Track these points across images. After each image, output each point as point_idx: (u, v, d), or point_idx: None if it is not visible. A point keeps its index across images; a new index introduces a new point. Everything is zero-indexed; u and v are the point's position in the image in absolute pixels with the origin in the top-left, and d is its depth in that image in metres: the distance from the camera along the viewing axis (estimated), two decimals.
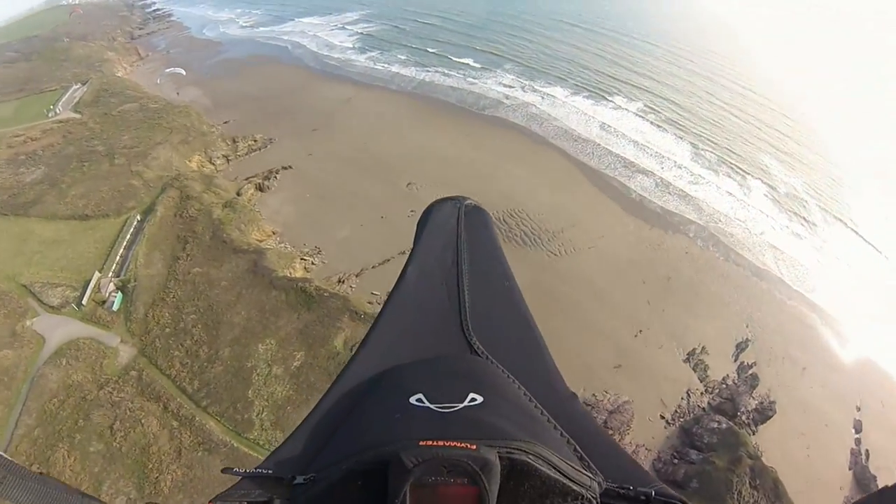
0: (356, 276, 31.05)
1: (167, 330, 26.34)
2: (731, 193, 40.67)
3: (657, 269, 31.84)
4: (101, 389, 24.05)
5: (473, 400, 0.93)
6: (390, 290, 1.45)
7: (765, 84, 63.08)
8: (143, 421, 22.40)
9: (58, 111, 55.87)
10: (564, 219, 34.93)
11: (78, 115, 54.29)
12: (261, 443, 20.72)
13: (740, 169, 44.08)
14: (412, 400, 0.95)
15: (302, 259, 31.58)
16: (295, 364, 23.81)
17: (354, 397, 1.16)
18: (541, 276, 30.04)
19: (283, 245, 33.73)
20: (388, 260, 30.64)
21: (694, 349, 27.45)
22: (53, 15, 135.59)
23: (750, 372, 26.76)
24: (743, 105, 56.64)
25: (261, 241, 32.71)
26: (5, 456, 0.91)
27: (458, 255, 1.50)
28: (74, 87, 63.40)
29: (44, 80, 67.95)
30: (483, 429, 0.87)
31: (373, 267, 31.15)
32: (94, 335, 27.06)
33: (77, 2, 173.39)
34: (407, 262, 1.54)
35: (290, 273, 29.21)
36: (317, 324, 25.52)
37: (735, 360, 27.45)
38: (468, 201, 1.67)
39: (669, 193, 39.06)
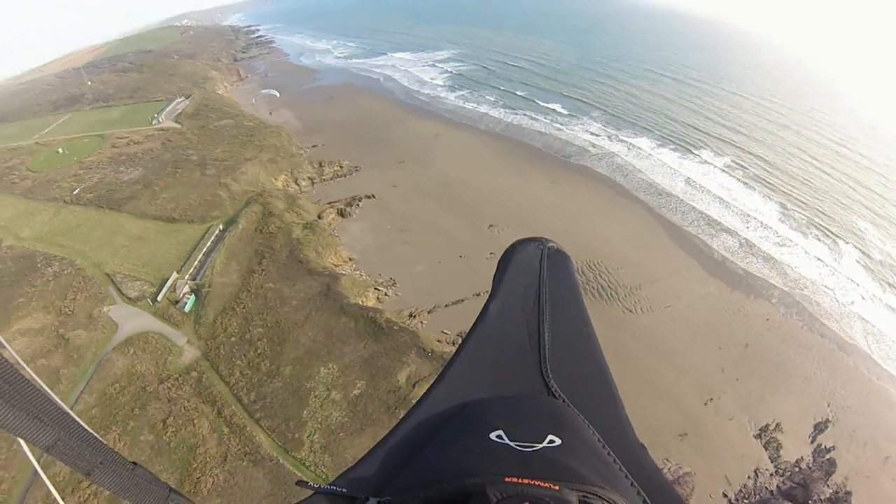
0: (428, 312, 35.33)
1: (233, 338, 32.15)
2: (819, 258, 43.09)
3: (735, 334, 34.50)
4: (161, 383, 29.81)
5: (552, 441, 1.12)
6: (471, 324, 1.81)
7: (860, 140, 65.73)
8: (195, 421, 27.33)
9: (161, 120, 71.58)
10: (643, 275, 39.00)
11: (178, 126, 69.02)
12: (307, 463, 24.28)
13: (831, 232, 46.74)
14: (492, 436, 1.15)
15: (375, 289, 36.75)
16: (354, 392, 27.63)
17: (433, 426, 1.39)
18: (614, 333, 33.04)
19: (358, 272, 39.54)
20: (463, 300, 34.92)
21: (767, 425, 28.94)
22: (167, 33, 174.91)
23: (827, 456, 27.69)
24: (835, 162, 59.95)
25: (336, 266, 38.80)
26: (103, 442, 1.17)
27: (540, 296, 1.80)
28: (178, 99, 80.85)
29: (152, 91, 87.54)
30: (562, 471, 1.04)
31: (446, 305, 35.47)
32: (163, 331, 33.77)
33: (189, 23, 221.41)
34: (490, 298, 1.84)
35: (362, 301, 34.25)
36: (382, 355, 29.55)
37: (811, 442, 28.70)
38: (551, 244, 2.01)
39: (753, 255, 42.90)
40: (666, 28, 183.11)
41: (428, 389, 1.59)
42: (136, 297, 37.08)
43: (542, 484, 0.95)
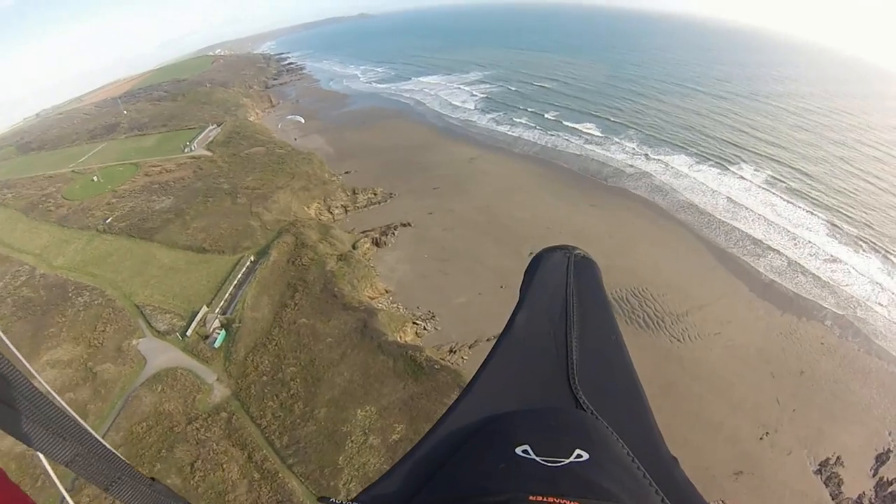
0: (469, 347, 35.10)
1: (264, 378, 32.15)
2: (871, 276, 43.02)
3: (788, 360, 34.43)
4: (189, 424, 29.87)
5: (580, 456, 1.14)
6: (498, 334, 1.89)
7: None
8: (224, 466, 27.10)
9: (193, 148, 74.69)
10: (690, 300, 39.33)
11: (210, 154, 71.81)
12: None
13: (882, 248, 46.70)
14: (518, 450, 1.17)
15: (414, 323, 36.56)
16: (393, 437, 26.96)
17: (457, 441, 1.43)
18: (662, 364, 32.90)
19: (395, 306, 39.53)
20: None
21: (827, 459, 28.63)
22: (201, 62, 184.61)
23: (890, 490, 27.50)
24: (882, 172, 60.24)
25: (373, 299, 38.78)
26: (121, 458, 1.24)
27: (568, 305, 1.85)
28: (210, 127, 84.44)
29: (185, 119, 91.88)
30: (589, 487, 1.06)
31: (488, 339, 34.88)
32: (192, 367, 34.11)
33: (222, 52, 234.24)
34: (516, 309, 1.90)
35: (401, 337, 33.93)
36: (423, 397, 28.91)
37: (874, 475, 28.30)
38: (577, 251, 2.03)
39: (802, 275, 43.45)
40: (695, 39, 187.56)
41: (454, 402, 1.60)
42: (165, 330, 37.81)
43: (569, 501, 0.98)
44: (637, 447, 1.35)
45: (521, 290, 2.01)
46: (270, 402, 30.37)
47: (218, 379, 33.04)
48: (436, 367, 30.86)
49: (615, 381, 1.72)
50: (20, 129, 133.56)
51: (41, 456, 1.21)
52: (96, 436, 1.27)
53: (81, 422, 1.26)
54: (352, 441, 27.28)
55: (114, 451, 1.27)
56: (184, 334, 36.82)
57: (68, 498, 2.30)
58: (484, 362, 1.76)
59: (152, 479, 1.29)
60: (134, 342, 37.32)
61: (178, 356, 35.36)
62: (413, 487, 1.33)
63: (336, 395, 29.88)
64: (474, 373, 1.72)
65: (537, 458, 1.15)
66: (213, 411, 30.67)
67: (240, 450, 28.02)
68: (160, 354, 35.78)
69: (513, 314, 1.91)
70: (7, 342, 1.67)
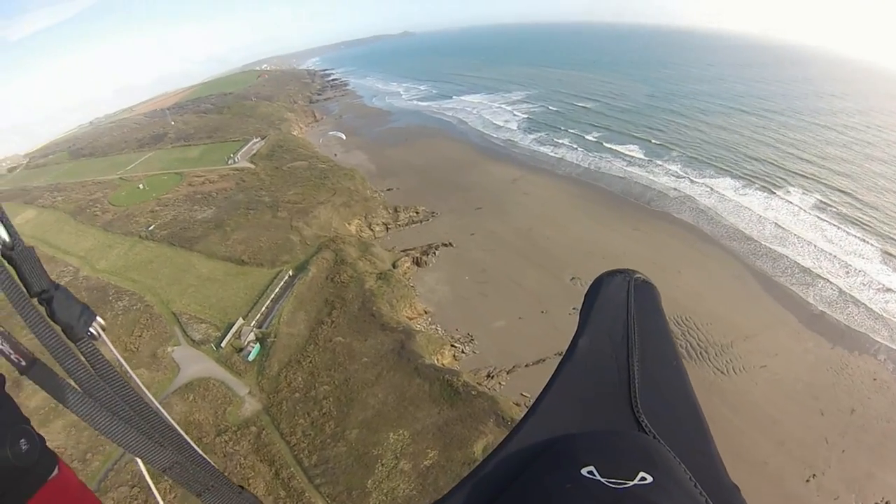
0: (507, 372, 34.49)
1: (297, 394, 32.27)
2: None
3: (839, 397, 33.33)
4: (218, 436, 30.15)
5: (644, 479, 1.16)
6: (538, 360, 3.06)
7: None
8: (250, 481, 27.02)
9: (236, 160, 77.37)
10: (735, 330, 38.47)
11: (252, 166, 74.21)
12: None
13: None
14: (583, 471, 1.19)
15: (452, 346, 36.25)
16: (425, 463, 26.44)
17: (522, 461, 1.45)
18: (704, 397, 31.39)
19: (433, 327, 39.40)
20: (544, 360, 34.26)
21: None
22: (247, 77, 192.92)
23: None
24: None
25: (411, 319, 38.71)
26: (215, 466, 1.36)
27: (629, 329, 1.88)
28: (254, 140, 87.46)
29: (230, 131, 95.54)
30: None
31: (526, 365, 34.60)
32: (225, 379, 34.62)
33: (268, 67, 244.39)
34: (578, 332, 1.92)
35: (438, 360, 33.61)
36: (458, 423, 28.35)
37: None
38: (637, 275, 2.07)
39: (854, 306, 41.99)
40: (736, 56, 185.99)
41: (518, 424, 1.62)
42: (200, 339, 38.62)
43: None
44: (698, 473, 1.36)
45: (581, 313, 2.03)
46: (301, 419, 30.38)
47: (250, 392, 33.36)
48: (472, 392, 30.34)
49: (676, 405, 1.75)
50: (73, 135, 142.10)
51: (139, 461, 1.38)
52: (193, 445, 1.41)
53: (181, 431, 1.40)
54: (382, 465, 26.91)
55: (209, 459, 1.39)
56: (218, 345, 37.51)
57: (160, 500, 2.22)
58: (548, 384, 1.76)
59: (241, 487, 1.40)
60: (169, 349, 38.27)
61: (211, 367, 35.99)
62: None
63: (369, 417, 29.65)
64: (537, 395, 1.74)
65: (602, 480, 1.16)
66: (243, 425, 30.90)
67: (267, 466, 28.04)
68: (194, 364, 36.51)
69: (575, 337, 1.92)
70: (114, 350, 1.75)
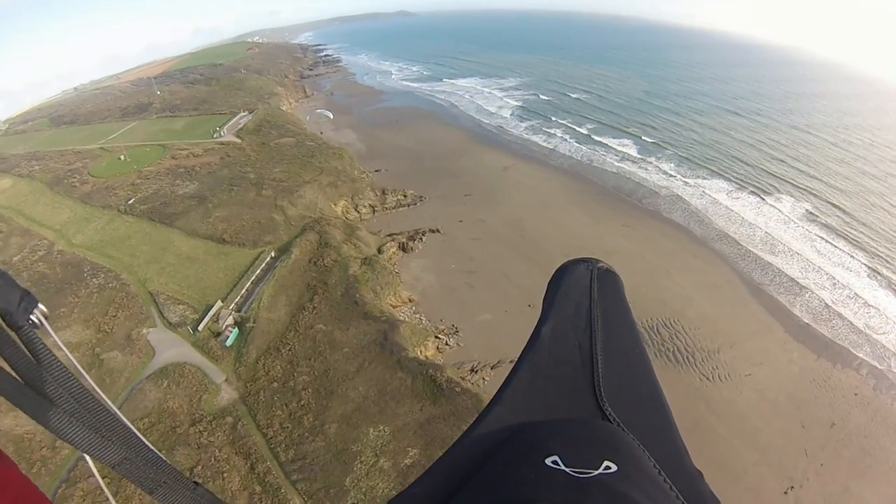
0: (492, 368, 33.71)
1: (275, 384, 30.95)
2: None
3: (820, 410, 33.67)
4: (192, 426, 28.80)
5: (608, 468, 1.16)
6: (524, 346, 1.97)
7: None
8: (225, 475, 25.89)
9: (222, 134, 74.73)
10: (721, 337, 38.54)
11: (238, 141, 71.65)
12: None
13: None
14: (548, 461, 1.19)
15: (436, 337, 35.14)
16: (406, 461, 25.41)
17: (487, 450, 1.45)
18: (689, 403, 32.25)
19: (418, 316, 38.23)
20: None
21: None
22: (238, 48, 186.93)
23: None
24: None
25: (395, 307, 37.43)
26: (167, 462, 1.32)
27: (592, 317, 1.87)
28: (242, 114, 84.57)
29: (217, 104, 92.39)
30: (617, 499, 1.08)
31: (511, 361, 32.97)
32: (201, 364, 33.15)
33: (260, 40, 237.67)
34: (540, 321, 1.92)
35: (422, 351, 32.47)
36: (440, 421, 27.35)
37: None
38: (600, 264, 2.06)
39: (839, 319, 42.12)
40: (732, 57, 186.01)
41: (482, 412, 1.64)
42: (176, 322, 37.04)
43: None
44: (662, 460, 1.36)
45: (544, 301, 2.01)
46: (279, 411, 29.13)
47: (226, 380, 32.00)
48: (456, 389, 29.29)
49: (640, 393, 1.72)
50: (56, 101, 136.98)
51: (87, 458, 1.29)
52: (144, 440, 1.32)
53: (130, 425, 1.31)
54: (361, 462, 25.85)
55: (160, 454, 1.31)
56: (195, 328, 35.97)
57: (112, 500, 2.03)
58: (511, 372, 1.77)
59: (195, 482, 1.34)
60: (144, 331, 36.67)
61: (187, 351, 34.52)
62: (443, 495, 1.33)
63: (349, 411, 28.47)
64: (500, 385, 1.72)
65: (567, 469, 1.16)
66: (219, 414, 29.60)
67: (243, 459, 26.84)
68: (169, 347, 35.00)
69: (538, 325, 1.92)
70: (58, 341, 1.57)
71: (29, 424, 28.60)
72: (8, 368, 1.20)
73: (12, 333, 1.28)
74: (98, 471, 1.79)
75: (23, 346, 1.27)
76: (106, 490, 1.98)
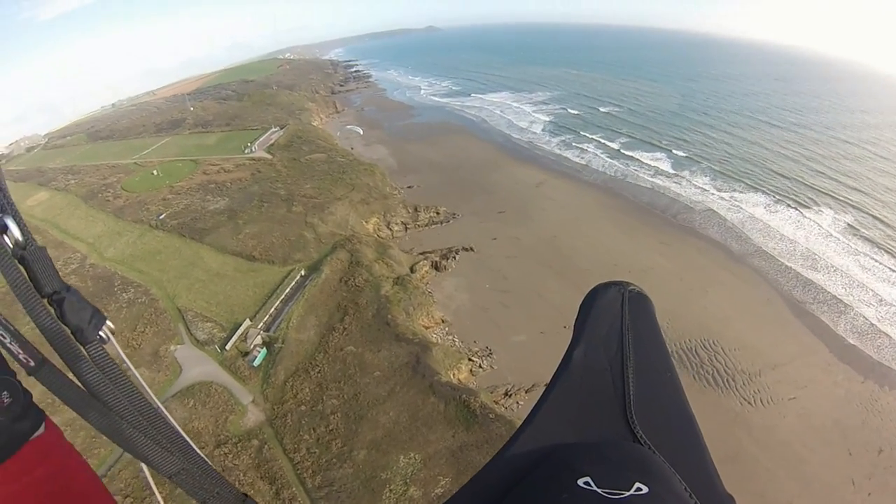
0: (526, 391, 32.85)
1: (303, 407, 30.52)
2: None
3: (867, 436, 32.30)
4: (217, 447, 28.48)
5: (639, 490, 1.17)
6: (556, 368, 1.97)
7: None
8: None
9: (253, 149, 76.04)
10: (763, 358, 37.32)
11: (269, 156, 72.77)
12: None
13: None
14: (580, 482, 1.19)
15: (470, 359, 34.40)
16: (437, 491, 24.60)
17: (519, 471, 1.46)
18: (729, 429, 30.97)
19: (451, 338, 37.60)
20: None
21: None
22: (268, 65, 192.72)
23: None
24: None
25: (427, 328, 36.84)
26: (220, 474, 1.33)
27: (623, 341, 1.90)
28: (273, 129, 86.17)
29: (248, 119, 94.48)
30: None
31: (545, 384, 32.05)
32: (227, 384, 33.01)
33: (291, 56, 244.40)
34: (572, 344, 1.95)
35: (455, 374, 31.70)
36: (473, 448, 26.42)
37: None
38: (632, 287, 2.11)
39: (886, 338, 40.66)
40: (769, 67, 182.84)
41: (514, 433, 1.66)
42: (204, 340, 37.14)
43: None
44: (693, 482, 1.37)
45: (575, 325, 2.07)
46: (307, 435, 28.63)
47: (253, 401, 31.74)
48: (490, 416, 28.36)
49: (671, 416, 1.75)
50: (94, 117, 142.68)
51: (144, 468, 1.34)
52: (200, 452, 1.36)
53: (187, 437, 1.36)
54: (390, 490, 25.08)
55: (213, 466, 1.34)
56: (223, 347, 35.99)
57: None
58: (543, 395, 1.80)
59: (245, 495, 1.37)
60: (172, 348, 36.88)
61: (214, 370, 34.47)
62: None
63: (378, 437, 27.79)
64: (532, 406, 1.75)
65: (599, 490, 1.17)
66: (245, 437, 29.27)
67: (268, 484, 26.36)
68: (196, 366, 35.04)
69: (569, 348, 1.96)
70: (122, 354, 1.62)
71: (68, 429, 28.74)
72: (77, 382, 1.22)
73: (82, 348, 1.29)
74: (153, 481, 1.80)
75: (91, 361, 1.28)
76: (161, 500, 2.03)
